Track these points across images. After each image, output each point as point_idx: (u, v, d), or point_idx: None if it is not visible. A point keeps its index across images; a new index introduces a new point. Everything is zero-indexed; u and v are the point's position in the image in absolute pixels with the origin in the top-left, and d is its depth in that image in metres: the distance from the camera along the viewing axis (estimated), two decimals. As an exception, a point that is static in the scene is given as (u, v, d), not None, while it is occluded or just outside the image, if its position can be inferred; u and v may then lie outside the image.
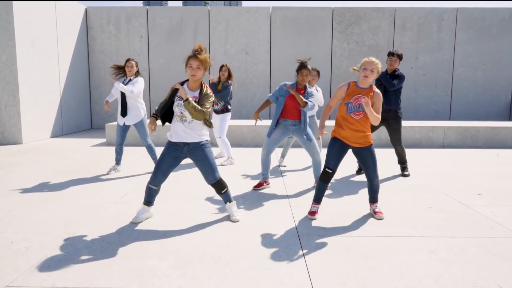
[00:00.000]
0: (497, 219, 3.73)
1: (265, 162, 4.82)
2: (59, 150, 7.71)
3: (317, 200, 3.76)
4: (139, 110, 5.51)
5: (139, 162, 6.47)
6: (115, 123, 8.78)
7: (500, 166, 6.39)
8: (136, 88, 5.34)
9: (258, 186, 4.83)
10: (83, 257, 2.80)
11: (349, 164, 6.39)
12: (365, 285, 2.44)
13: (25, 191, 4.63)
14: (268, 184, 4.90)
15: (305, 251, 2.94)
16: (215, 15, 11.52)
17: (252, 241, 3.14)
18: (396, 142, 5.45)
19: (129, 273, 2.58)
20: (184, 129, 3.39)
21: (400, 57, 5.27)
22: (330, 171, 3.61)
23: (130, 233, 3.27)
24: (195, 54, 3.27)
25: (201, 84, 3.43)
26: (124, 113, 5.44)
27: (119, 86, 5.26)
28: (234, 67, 11.62)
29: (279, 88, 4.63)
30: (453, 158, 7.10)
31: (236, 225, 3.51)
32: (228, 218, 3.69)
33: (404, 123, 8.92)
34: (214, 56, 11.53)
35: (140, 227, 3.43)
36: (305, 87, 4.60)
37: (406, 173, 5.58)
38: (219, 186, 3.57)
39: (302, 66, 4.53)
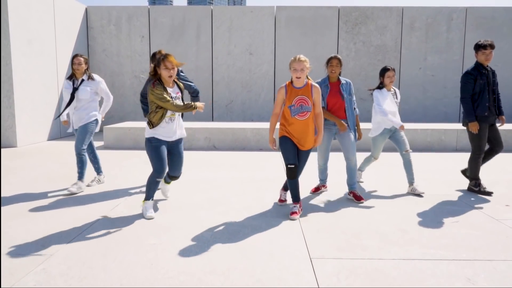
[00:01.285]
0: (534, 236, 3.29)
1: (323, 170, 4.66)
2: (53, 153, 7.32)
3: (296, 199, 3.78)
4: (91, 112, 4.84)
5: (137, 167, 6.02)
6: (112, 125, 8.37)
7: (523, 173, 5.93)
8: (110, 94, 5.07)
9: (316, 190, 4.68)
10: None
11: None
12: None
13: (6, 201, 4.21)
14: (326, 187, 4.78)
15: (319, 279, 2.51)
16: (218, 14, 11.15)
17: (256, 265, 2.70)
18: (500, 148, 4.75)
19: (110, 307, 2.16)
20: (177, 126, 3.69)
21: (493, 47, 4.57)
22: (293, 166, 3.63)
23: (116, 255, 2.84)
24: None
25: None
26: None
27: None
28: (237, 67, 11.24)
29: None
30: (470, 164, 6.63)
31: (239, 244, 3.08)
32: (229, 236, 3.25)
33: (415, 126, 8.55)
34: (217, 57, 11.18)
35: (128, 245, 3.01)
36: (338, 79, 4.34)
37: (490, 191, 4.64)
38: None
39: (331, 57, 4.28)
